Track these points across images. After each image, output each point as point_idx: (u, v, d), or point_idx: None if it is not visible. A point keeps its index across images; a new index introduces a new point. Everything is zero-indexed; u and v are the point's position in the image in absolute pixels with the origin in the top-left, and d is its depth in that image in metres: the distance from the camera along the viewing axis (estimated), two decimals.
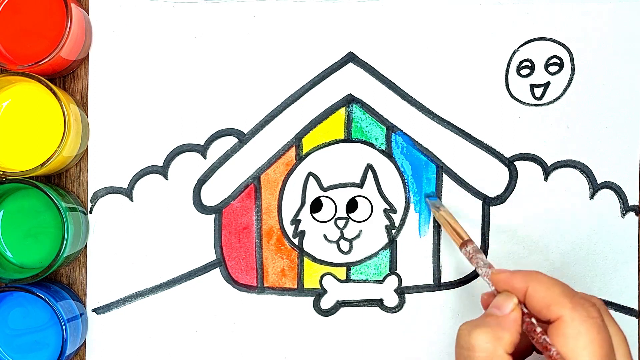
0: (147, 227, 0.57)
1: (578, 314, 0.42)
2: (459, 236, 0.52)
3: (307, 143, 0.58)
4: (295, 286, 0.58)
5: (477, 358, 0.43)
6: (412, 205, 0.58)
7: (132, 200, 0.58)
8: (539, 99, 0.59)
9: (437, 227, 0.58)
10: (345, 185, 0.58)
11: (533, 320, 0.44)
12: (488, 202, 0.59)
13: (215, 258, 0.58)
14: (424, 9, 0.58)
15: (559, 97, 0.59)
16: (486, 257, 0.58)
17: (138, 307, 0.57)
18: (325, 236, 0.58)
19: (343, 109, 0.58)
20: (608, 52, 0.59)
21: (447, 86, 0.58)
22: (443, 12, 0.58)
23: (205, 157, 0.58)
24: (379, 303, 0.58)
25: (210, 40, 0.58)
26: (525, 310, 0.44)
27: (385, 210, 0.58)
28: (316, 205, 0.58)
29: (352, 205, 0.58)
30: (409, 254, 0.58)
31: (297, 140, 0.58)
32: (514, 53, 0.59)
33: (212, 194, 0.58)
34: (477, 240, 0.59)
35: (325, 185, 0.58)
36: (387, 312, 0.58)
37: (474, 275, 0.59)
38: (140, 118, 0.57)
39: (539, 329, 0.43)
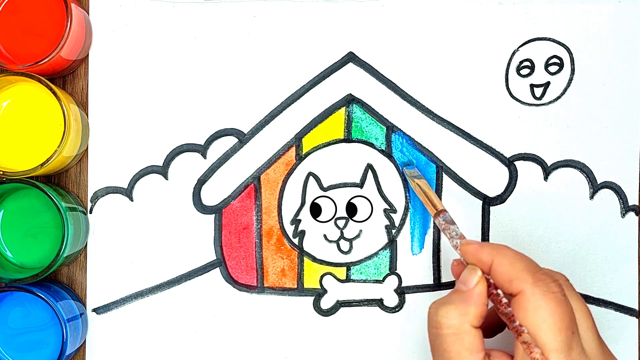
0: (147, 227, 0.57)
1: (538, 289, 0.43)
2: (433, 206, 0.52)
3: (307, 143, 0.58)
4: (295, 286, 0.58)
5: (445, 335, 0.44)
6: (412, 205, 0.58)
7: (132, 200, 0.58)
8: (539, 99, 0.59)
9: (437, 227, 0.58)
10: (345, 185, 0.58)
11: (499, 291, 0.45)
12: (488, 202, 0.59)
13: (215, 258, 0.58)
14: (424, 9, 0.58)
15: (559, 97, 0.59)
16: None
17: (138, 307, 0.57)
18: (325, 236, 0.58)
19: (343, 109, 0.58)
20: (608, 52, 0.59)
21: (447, 86, 0.58)
22: (443, 12, 0.58)
23: (205, 157, 0.58)
24: (379, 303, 0.58)
25: (210, 40, 0.58)
26: (492, 281, 0.45)
27: (385, 210, 0.58)
28: (315, 209, 0.58)
29: (351, 209, 0.58)
30: (409, 253, 0.58)
31: (297, 140, 0.58)
32: (514, 53, 0.59)
33: (212, 194, 0.58)
34: (477, 240, 0.59)
35: (325, 185, 0.58)
36: (387, 312, 0.58)
37: None
38: (140, 118, 0.57)
39: (504, 300, 0.44)
